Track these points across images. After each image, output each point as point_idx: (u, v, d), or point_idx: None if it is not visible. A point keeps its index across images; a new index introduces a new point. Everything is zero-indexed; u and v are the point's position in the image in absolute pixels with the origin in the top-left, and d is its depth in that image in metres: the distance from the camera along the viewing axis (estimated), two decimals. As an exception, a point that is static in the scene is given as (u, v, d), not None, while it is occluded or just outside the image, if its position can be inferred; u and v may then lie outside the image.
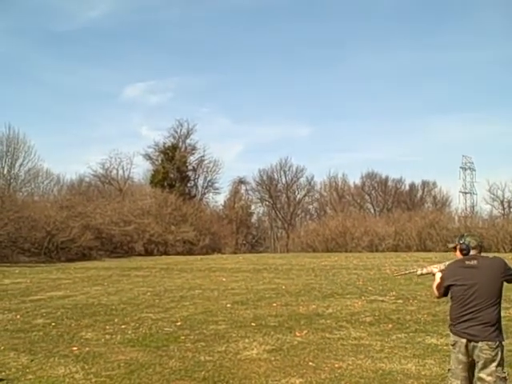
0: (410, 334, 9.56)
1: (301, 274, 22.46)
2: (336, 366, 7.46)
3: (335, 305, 13.20)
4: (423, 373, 7.06)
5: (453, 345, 4.79)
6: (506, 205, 69.57)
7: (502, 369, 4.59)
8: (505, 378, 4.59)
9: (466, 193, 74.75)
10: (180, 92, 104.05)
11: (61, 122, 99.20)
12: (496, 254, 4.84)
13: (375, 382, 6.66)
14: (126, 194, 55.26)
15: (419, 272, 5.42)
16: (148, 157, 66.11)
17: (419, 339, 9.14)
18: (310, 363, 7.60)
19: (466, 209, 71.32)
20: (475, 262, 4.78)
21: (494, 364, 4.54)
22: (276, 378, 6.89)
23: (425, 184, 79.52)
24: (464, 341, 4.64)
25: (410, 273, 5.90)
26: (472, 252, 4.87)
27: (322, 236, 56.43)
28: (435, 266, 5.20)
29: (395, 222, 56.26)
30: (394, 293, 15.47)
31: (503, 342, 4.70)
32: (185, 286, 18.06)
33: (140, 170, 77.46)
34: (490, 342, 4.56)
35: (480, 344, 4.56)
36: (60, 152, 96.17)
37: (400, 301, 13.82)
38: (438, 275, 5.05)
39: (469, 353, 4.64)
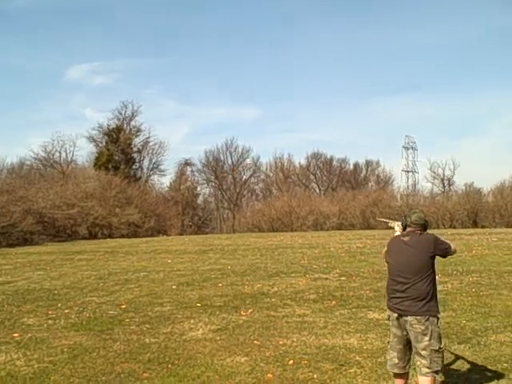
0: (353, 310, 9.77)
1: (246, 254, 22.58)
2: (280, 343, 7.56)
3: (280, 283, 13.35)
4: (365, 347, 7.24)
5: (388, 319, 4.95)
6: (445, 183, 71.75)
7: (436, 341, 4.70)
8: (438, 350, 4.69)
9: (408, 171, 76.58)
10: (125, 73, 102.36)
11: (1, 104, 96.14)
12: (436, 231, 4.98)
13: (319, 357, 6.78)
14: (69, 177, 54.01)
15: (390, 224, 5.65)
16: (92, 139, 64.78)
17: (361, 314, 9.35)
18: (255, 341, 7.68)
19: (408, 187, 73.15)
20: (407, 238, 4.93)
21: (426, 338, 4.66)
22: (221, 357, 6.94)
23: (368, 163, 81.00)
24: (395, 315, 4.78)
25: (386, 222, 5.97)
26: (411, 228, 4.98)
27: (267, 216, 56.78)
28: (398, 223, 5.38)
29: (339, 201, 57.12)
30: (337, 270, 15.74)
31: (438, 315, 4.83)
32: (130, 269, 17.89)
33: (84, 152, 76.00)
34: (418, 317, 4.67)
35: (409, 318, 4.69)
36: (0, 135, 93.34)
37: (343, 278, 14.08)
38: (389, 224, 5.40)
39: (402, 327, 4.77)
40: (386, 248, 5.19)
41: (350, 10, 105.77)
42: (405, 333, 4.78)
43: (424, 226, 5.00)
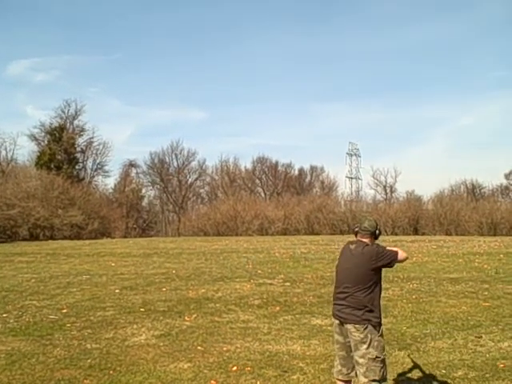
0: (297, 316, 9.85)
1: (191, 258, 22.47)
2: (224, 349, 7.55)
3: (225, 288, 13.34)
4: (308, 353, 7.30)
5: (331, 325, 5.00)
6: (388, 190, 73.28)
7: (375, 350, 4.68)
8: (375, 358, 4.66)
9: (351, 178, 77.99)
10: (68, 71, 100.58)
11: None
12: (378, 238, 4.95)
13: (262, 363, 6.80)
14: (9, 176, 52.45)
15: None
16: (33, 137, 63.13)
17: (305, 321, 9.43)
18: (199, 347, 7.64)
19: (351, 193, 74.41)
20: (353, 246, 4.95)
21: (364, 346, 4.65)
22: (164, 363, 6.88)
23: (313, 169, 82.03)
24: (337, 322, 4.82)
25: None
26: (360, 235, 4.98)
27: (213, 220, 56.70)
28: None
29: (285, 205, 57.58)
30: (282, 276, 15.84)
31: (380, 325, 4.80)
32: (72, 272, 17.54)
33: (25, 151, 74.06)
34: (357, 325, 4.68)
35: (349, 326, 4.72)
36: None
37: (287, 283, 14.18)
38: None
39: (344, 334, 4.82)
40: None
41: (294, 15, 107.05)
42: (347, 339, 4.80)
43: (374, 234, 4.96)
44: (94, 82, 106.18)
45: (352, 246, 4.95)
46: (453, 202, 53.70)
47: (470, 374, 6.24)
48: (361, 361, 4.67)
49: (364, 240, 4.97)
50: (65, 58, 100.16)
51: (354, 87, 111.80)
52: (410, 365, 6.60)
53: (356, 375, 4.88)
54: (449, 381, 5.98)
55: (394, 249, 4.99)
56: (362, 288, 4.74)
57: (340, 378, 4.87)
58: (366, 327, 4.69)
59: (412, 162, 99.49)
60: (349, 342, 4.80)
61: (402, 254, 4.97)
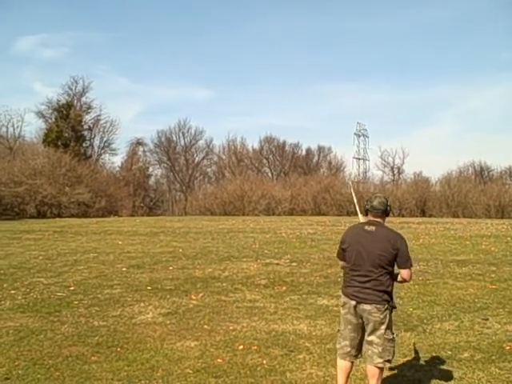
0: (303, 296, 9.86)
1: (198, 238, 22.53)
2: (231, 328, 7.58)
3: (231, 268, 13.37)
4: (314, 333, 7.32)
5: (342, 306, 4.90)
6: (395, 171, 73.08)
7: (390, 331, 4.77)
8: (392, 339, 4.77)
9: (359, 159, 77.60)
10: (76, 47, 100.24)
11: None
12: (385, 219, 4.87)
13: (268, 343, 6.83)
14: (16, 153, 52.64)
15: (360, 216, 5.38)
16: (41, 114, 63.21)
17: (311, 301, 9.45)
18: (205, 326, 7.67)
19: (358, 174, 74.15)
20: (373, 228, 4.82)
21: (383, 327, 4.69)
22: (171, 341, 6.91)
23: (321, 149, 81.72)
24: (353, 303, 4.75)
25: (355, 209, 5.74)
26: (373, 216, 4.90)
27: (220, 199, 56.75)
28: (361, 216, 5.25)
29: (292, 186, 57.50)
30: (288, 256, 15.86)
31: (395, 306, 4.85)
32: (79, 250, 17.63)
33: (32, 128, 73.84)
34: (378, 305, 4.68)
35: (369, 307, 4.68)
36: None
37: (294, 264, 14.20)
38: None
39: (358, 315, 4.78)
40: (341, 238, 5.05)
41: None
42: (360, 321, 4.77)
43: (386, 213, 4.93)
44: (102, 59, 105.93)
45: (370, 228, 4.83)
46: (461, 184, 53.45)
47: (476, 355, 6.24)
48: (377, 341, 4.70)
49: (378, 220, 4.90)
50: (72, 35, 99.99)
51: (363, 68, 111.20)
52: (416, 346, 6.60)
53: (361, 356, 4.93)
54: (454, 362, 5.98)
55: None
56: (384, 272, 4.73)
57: (348, 359, 4.85)
58: (386, 308, 4.72)
59: (420, 144, 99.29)
60: (362, 323, 4.77)
61: (410, 275, 4.84)
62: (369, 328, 4.74)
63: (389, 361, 4.77)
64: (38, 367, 5.87)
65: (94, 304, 9.19)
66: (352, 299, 4.78)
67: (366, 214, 5.00)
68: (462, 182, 55.34)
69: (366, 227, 4.87)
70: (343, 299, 4.91)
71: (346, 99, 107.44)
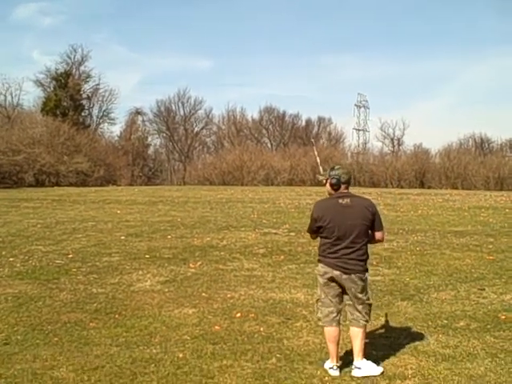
0: (301, 265, 9.90)
1: (197, 207, 22.56)
2: (228, 296, 7.62)
3: (229, 237, 13.40)
4: (311, 301, 7.32)
5: (322, 275, 4.93)
6: (395, 142, 72.89)
7: (369, 295, 5.01)
8: (370, 303, 5.02)
9: (359, 130, 77.19)
10: (75, 16, 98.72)
11: None
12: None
13: (266, 311, 6.87)
14: (14, 122, 52.35)
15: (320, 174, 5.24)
16: (39, 83, 62.71)
17: (309, 270, 9.47)
18: (203, 294, 7.71)
19: (358, 145, 73.89)
20: (348, 200, 4.88)
21: (364, 292, 4.91)
22: (169, 308, 6.95)
23: (321, 120, 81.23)
24: (337, 273, 4.82)
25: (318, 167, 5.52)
26: (342, 187, 4.92)
27: (218, 169, 56.74)
28: (322, 174, 5.14)
29: (291, 156, 57.40)
30: (287, 226, 15.90)
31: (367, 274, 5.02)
32: (77, 218, 17.66)
33: (30, 96, 73.55)
34: (360, 274, 4.86)
35: (353, 276, 4.82)
36: None
37: (292, 233, 14.23)
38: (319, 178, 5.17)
39: (339, 283, 4.88)
40: (312, 215, 5.00)
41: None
42: (341, 289, 4.91)
43: (349, 183, 4.99)
44: (101, 28, 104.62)
45: (345, 201, 4.86)
46: (460, 155, 53.40)
47: (471, 324, 6.28)
48: (360, 307, 4.91)
49: (346, 191, 4.95)
50: (71, 3, 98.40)
51: (364, 39, 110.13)
52: (412, 315, 6.65)
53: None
54: (450, 331, 6.02)
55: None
56: (366, 240, 4.92)
57: (334, 324, 4.95)
58: (366, 276, 4.94)
59: (421, 116, 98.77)
60: (342, 290, 4.91)
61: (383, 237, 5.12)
62: (352, 295, 4.89)
63: (367, 322, 5.03)
64: (36, 333, 5.91)
65: (93, 271, 9.22)
66: (336, 269, 4.84)
67: (332, 187, 4.93)
68: (462, 153, 55.27)
69: (340, 201, 4.88)
70: (324, 269, 4.93)
71: (346, 71, 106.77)
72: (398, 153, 66.28)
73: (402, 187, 48.59)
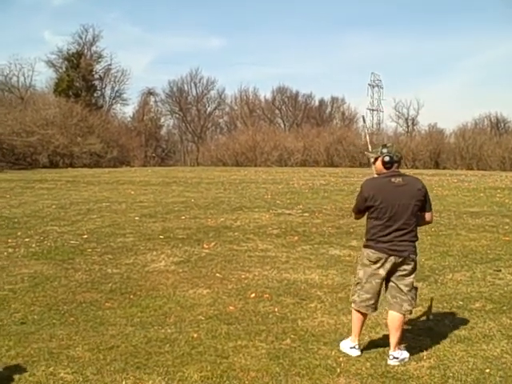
0: (315, 246, 9.88)
1: (210, 188, 22.57)
2: (243, 276, 7.62)
3: (243, 218, 13.40)
4: (325, 282, 7.34)
5: (374, 261, 4.67)
6: (409, 122, 72.31)
7: (415, 279, 4.80)
8: (416, 287, 4.82)
9: (373, 110, 76.62)
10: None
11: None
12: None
13: (280, 291, 6.86)
14: (27, 103, 52.45)
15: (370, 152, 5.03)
16: (51, 64, 62.75)
17: (323, 250, 9.46)
18: (218, 274, 7.72)
19: (372, 126, 73.40)
20: (400, 179, 4.67)
21: (413, 276, 4.71)
22: (184, 288, 6.96)
23: (334, 100, 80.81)
24: (393, 258, 4.61)
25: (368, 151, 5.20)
26: (396, 167, 4.74)
27: (232, 150, 56.72)
28: (372, 151, 4.94)
29: (304, 137, 57.21)
30: (300, 206, 15.86)
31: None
32: (91, 199, 17.73)
33: (43, 77, 73.67)
34: (412, 256, 4.65)
35: (406, 259, 4.63)
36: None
37: (306, 214, 14.20)
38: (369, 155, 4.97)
39: (389, 268, 4.66)
40: (362, 194, 4.77)
41: None
42: (386, 275, 4.70)
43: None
44: (112, 7, 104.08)
45: (397, 180, 4.66)
46: (476, 136, 52.90)
47: (487, 306, 6.24)
48: (406, 290, 4.68)
49: (398, 170, 4.77)
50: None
51: (378, 17, 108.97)
52: (427, 296, 6.61)
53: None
54: (466, 312, 5.98)
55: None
56: (416, 221, 4.70)
57: (370, 311, 4.81)
58: (416, 258, 4.74)
59: (435, 95, 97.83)
60: (385, 277, 4.71)
61: (432, 218, 4.92)
62: (400, 278, 4.68)
63: (411, 311, 4.83)
64: (52, 312, 5.94)
65: (107, 252, 9.26)
66: (390, 254, 4.62)
67: (384, 165, 4.73)
68: (477, 133, 54.74)
69: (393, 179, 4.67)
70: (375, 254, 4.66)
71: (360, 50, 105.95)
72: (413, 133, 65.88)
73: (416, 168, 48.30)
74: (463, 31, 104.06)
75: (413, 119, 72.62)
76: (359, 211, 4.91)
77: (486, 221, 12.98)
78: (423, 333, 5.33)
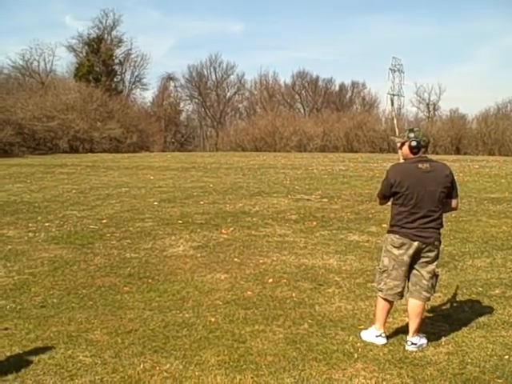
0: (333, 232, 9.84)
1: (229, 173, 22.57)
2: (261, 261, 7.62)
3: (262, 203, 13.38)
4: (344, 268, 7.32)
5: (398, 247, 4.62)
6: (431, 107, 71.55)
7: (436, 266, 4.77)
8: (438, 275, 4.80)
9: (393, 95, 75.74)
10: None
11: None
12: None
13: (298, 276, 6.85)
14: (48, 88, 52.68)
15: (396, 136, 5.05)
16: (71, 48, 62.94)
17: (341, 236, 9.43)
18: (236, 259, 7.73)
19: (393, 111, 72.57)
20: (428, 165, 4.57)
21: (435, 263, 4.67)
22: (202, 273, 6.98)
23: (354, 85, 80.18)
24: (416, 244, 4.56)
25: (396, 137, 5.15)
26: (423, 152, 4.64)
27: (251, 135, 56.61)
28: (399, 136, 4.91)
29: (324, 122, 56.89)
30: (319, 192, 15.81)
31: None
32: (111, 184, 17.83)
33: (63, 62, 74.05)
34: (436, 242, 4.61)
35: (430, 246, 4.58)
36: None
37: (325, 199, 14.15)
38: (395, 140, 4.95)
39: (412, 254, 4.61)
40: (387, 180, 4.69)
41: None
42: (411, 261, 4.65)
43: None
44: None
45: (425, 166, 4.56)
46: (498, 121, 52.01)
47: (507, 292, 6.17)
48: (428, 276, 4.64)
49: (425, 155, 4.67)
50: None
51: (399, 0, 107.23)
52: (446, 282, 6.56)
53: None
54: (485, 298, 5.93)
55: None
56: (441, 209, 4.64)
57: (397, 299, 4.78)
58: (440, 244, 4.70)
59: (457, 80, 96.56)
60: (410, 263, 4.65)
61: (458, 205, 4.91)
62: (423, 265, 4.64)
63: (429, 298, 4.79)
64: (72, 296, 6.00)
65: (126, 237, 9.31)
66: (415, 240, 4.56)
67: (411, 150, 4.63)
68: (500, 119, 53.81)
69: (420, 165, 4.56)
70: (400, 240, 4.60)
71: (381, 34, 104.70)
72: (434, 118, 65.21)
73: (437, 153, 47.75)
74: (485, 14, 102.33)
75: (434, 104, 71.87)
76: (384, 197, 4.84)
77: (507, 207, 12.83)
78: (442, 319, 5.30)
